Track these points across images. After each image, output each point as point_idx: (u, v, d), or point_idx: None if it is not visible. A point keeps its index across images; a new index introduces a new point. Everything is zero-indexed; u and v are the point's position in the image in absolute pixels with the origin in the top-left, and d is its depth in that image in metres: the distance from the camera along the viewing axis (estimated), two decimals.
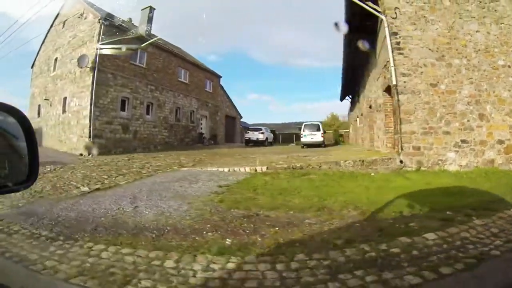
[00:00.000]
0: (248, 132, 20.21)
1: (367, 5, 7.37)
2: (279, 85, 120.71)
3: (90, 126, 12.06)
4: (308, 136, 16.80)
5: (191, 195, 5.30)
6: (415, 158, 6.73)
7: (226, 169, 7.86)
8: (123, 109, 13.66)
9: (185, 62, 17.89)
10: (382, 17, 7.23)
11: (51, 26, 16.50)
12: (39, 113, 16.59)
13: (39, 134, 15.91)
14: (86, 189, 6.03)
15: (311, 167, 7.49)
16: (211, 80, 20.56)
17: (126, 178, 7.20)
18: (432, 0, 7.05)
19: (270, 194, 5.14)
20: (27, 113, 15.77)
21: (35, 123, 16.62)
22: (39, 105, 16.61)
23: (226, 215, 3.92)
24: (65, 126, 13.57)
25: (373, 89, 10.68)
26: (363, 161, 7.37)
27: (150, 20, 16.53)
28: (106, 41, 12.66)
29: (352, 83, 16.68)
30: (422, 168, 6.67)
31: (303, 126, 17.51)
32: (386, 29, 7.12)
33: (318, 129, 17.01)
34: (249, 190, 5.54)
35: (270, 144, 21.43)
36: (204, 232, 3.31)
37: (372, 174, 6.56)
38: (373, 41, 9.65)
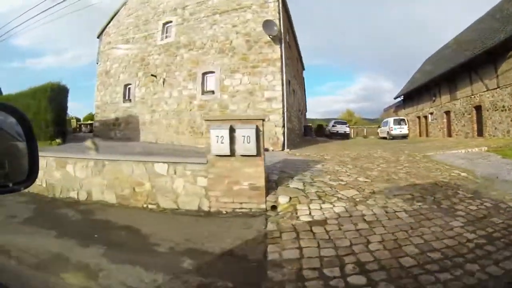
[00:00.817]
0: (336, 126, 20.74)
1: None
2: None
3: (283, 112, 9.37)
4: (397, 129, 18.11)
5: None
6: None
7: (463, 150, 8.24)
8: None
9: (296, 47, 15.76)
10: None
11: None
12: (126, 96, 12.05)
13: (134, 124, 11.51)
14: None
15: None
16: (300, 71, 18.74)
17: None
18: None
19: None
20: (93, 95, 11.45)
21: (121, 109, 11.99)
22: (126, 85, 12.02)
23: None
24: (212, 112, 10.11)
25: (490, 94, 12.59)
26: None
27: None
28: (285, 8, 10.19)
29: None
30: None
31: (392, 121, 18.78)
32: None
33: (405, 123, 18.40)
34: None
35: None
36: None
37: None
38: (494, 59, 11.77)
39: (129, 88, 12.04)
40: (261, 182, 4.20)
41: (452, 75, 14.59)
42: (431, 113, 18.36)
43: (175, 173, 4.37)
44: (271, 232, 3.46)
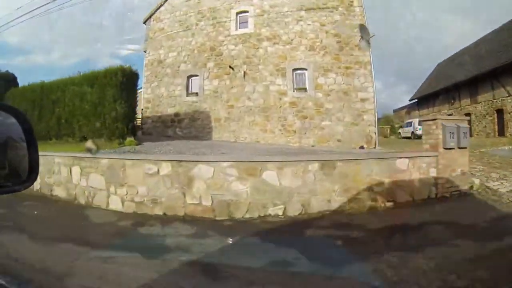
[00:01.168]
0: None
1: None
2: None
3: (375, 112, 10.22)
4: (419, 130, 20.76)
5: None
6: None
7: (506, 147, 10.19)
8: None
9: None
10: None
11: None
12: (190, 89, 10.45)
13: (203, 121, 10.23)
14: None
15: None
16: None
17: None
18: None
19: None
20: (141, 88, 10.25)
21: (183, 104, 10.41)
22: (190, 77, 10.47)
23: None
24: (306, 110, 10.09)
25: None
26: None
27: None
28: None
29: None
30: None
31: (417, 121, 19.68)
32: None
33: None
34: None
35: None
36: None
37: None
38: None
39: (192, 80, 10.50)
40: (467, 169, 5.22)
41: (474, 81, 16.60)
42: (450, 115, 21.61)
43: (413, 166, 4.76)
44: (498, 201, 4.56)
